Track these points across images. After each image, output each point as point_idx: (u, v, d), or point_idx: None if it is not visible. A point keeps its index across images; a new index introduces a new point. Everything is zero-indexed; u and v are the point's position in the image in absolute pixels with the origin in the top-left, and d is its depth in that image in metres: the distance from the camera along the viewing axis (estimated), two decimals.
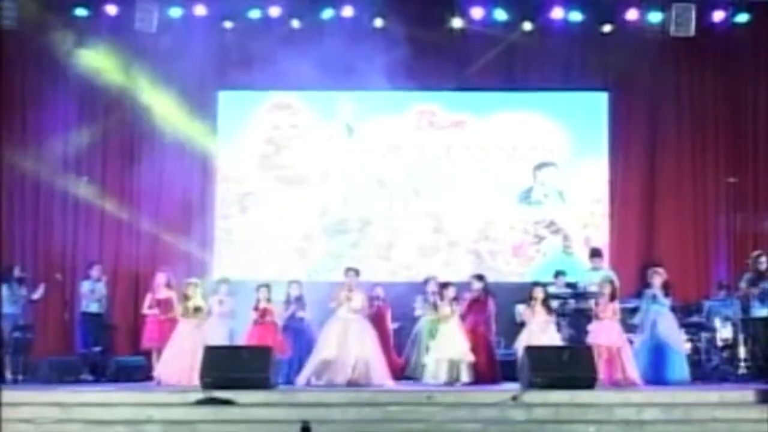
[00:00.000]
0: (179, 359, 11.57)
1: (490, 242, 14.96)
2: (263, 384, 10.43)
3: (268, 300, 12.18)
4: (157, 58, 14.63)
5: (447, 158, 15.08)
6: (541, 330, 11.81)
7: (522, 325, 12.13)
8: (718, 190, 14.82)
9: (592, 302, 12.20)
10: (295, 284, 12.61)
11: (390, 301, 13.04)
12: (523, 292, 12.38)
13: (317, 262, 14.80)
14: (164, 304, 12.37)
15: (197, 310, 11.81)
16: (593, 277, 12.93)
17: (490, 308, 12.32)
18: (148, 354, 12.56)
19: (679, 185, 14.90)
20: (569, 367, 10.51)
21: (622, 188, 14.95)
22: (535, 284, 12.28)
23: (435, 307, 12.29)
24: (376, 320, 12.45)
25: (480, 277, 12.45)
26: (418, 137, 15.11)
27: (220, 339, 12.07)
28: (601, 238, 14.70)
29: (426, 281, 12.82)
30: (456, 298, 11.99)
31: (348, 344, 11.56)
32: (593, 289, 12.57)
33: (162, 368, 11.67)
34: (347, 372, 11.44)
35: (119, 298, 14.28)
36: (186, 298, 11.87)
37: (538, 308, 11.93)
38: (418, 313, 12.74)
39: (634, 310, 12.29)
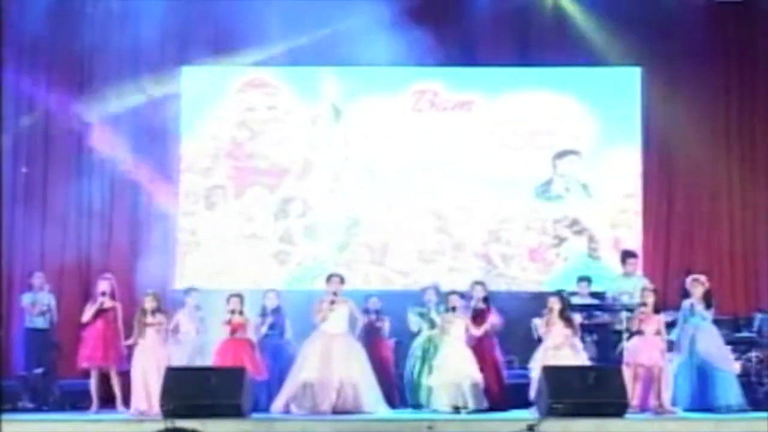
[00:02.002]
0: (143, 386, 11.57)
1: (503, 245, 14.97)
2: (235, 411, 10.42)
3: (241, 312, 12.15)
4: (109, 26, 14.65)
5: (451, 146, 15.08)
6: (558, 347, 11.80)
7: (540, 341, 12.14)
8: None
9: (623, 315, 12.19)
10: (272, 294, 12.64)
11: (386, 313, 13.02)
12: (541, 303, 12.34)
13: (298, 267, 14.79)
14: (107, 316, 12.32)
15: (154, 327, 11.77)
16: (625, 284, 12.94)
17: (495, 320, 12.36)
18: (86, 375, 12.49)
19: (726, 177, 14.93)
20: (595, 391, 10.52)
21: (658, 181, 14.99)
22: (552, 293, 12.28)
23: (432, 320, 12.31)
24: (371, 336, 12.44)
25: (482, 284, 12.50)
26: (417, 121, 15.12)
27: (188, 361, 12.11)
28: (633, 240, 14.70)
29: (424, 290, 12.81)
30: (455, 309, 12.01)
31: (332, 364, 11.56)
32: (624, 298, 12.59)
33: (133, 400, 11.69)
34: (331, 397, 11.44)
35: (65, 310, 14.19)
36: (143, 313, 11.83)
37: (556, 321, 11.94)
38: (413, 327, 12.71)
39: (671, 325, 12.28)
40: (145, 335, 11.73)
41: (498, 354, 12.38)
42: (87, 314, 12.30)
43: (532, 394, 11.62)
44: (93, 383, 12.15)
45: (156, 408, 11.20)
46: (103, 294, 12.25)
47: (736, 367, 12.24)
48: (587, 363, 11.94)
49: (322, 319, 11.82)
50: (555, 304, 11.98)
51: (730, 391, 11.73)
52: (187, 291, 12.75)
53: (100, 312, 12.23)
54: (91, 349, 12.18)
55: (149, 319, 11.77)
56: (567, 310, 12.05)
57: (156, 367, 11.55)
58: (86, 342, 12.27)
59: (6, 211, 14.49)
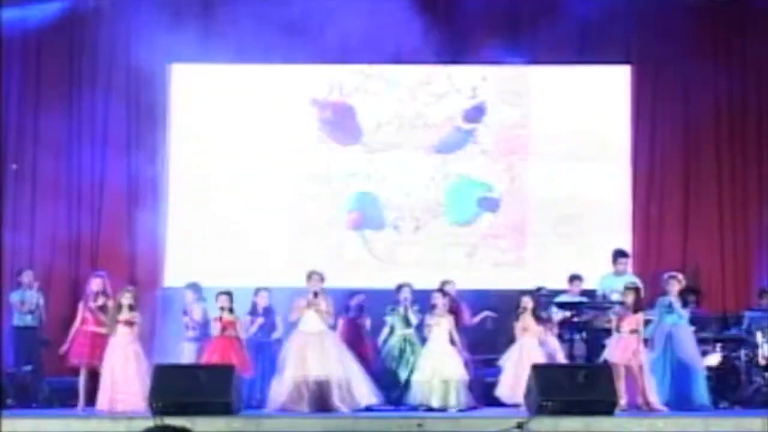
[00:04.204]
0: (112, 383, 11.57)
1: (491, 242, 14.97)
2: (224, 409, 10.42)
3: (231, 310, 12.18)
4: (99, 24, 14.68)
5: (441, 144, 15.11)
6: (532, 346, 11.89)
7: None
8: (762, 182, 14.90)
9: (611, 313, 12.23)
10: (264, 293, 12.67)
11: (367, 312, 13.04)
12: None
13: (288, 265, 14.73)
14: (99, 315, 12.33)
15: (128, 324, 11.75)
16: (616, 283, 12.95)
17: (465, 319, 12.39)
18: (76, 372, 12.50)
19: (716, 176, 14.94)
20: (585, 389, 10.55)
21: (648, 180, 14.98)
22: (524, 292, 12.34)
23: (407, 319, 12.34)
24: (352, 334, 12.44)
25: (451, 283, 12.57)
26: (408, 119, 15.12)
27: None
28: (624, 239, 14.67)
29: (399, 288, 12.76)
30: (435, 307, 12.07)
31: (316, 363, 11.53)
32: (614, 297, 12.62)
33: (100, 397, 11.70)
34: (333, 394, 11.42)
35: (55, 308, 14.16)
36: (118, 309, 11.84)
37: (529, 320, 12.00)
38: (388, 326, 12.69)
39: (648, 323, 12.30)
40: (117, 331, 11.71)
41: (466, 353, 12.40)
42: (80, 314, 12.34)
43: (500, 390, 11.80)
44: (81, 381, 12.15)
45: (119, 406, 11.25)
46: (97, 295, 12.28)
47: (706, 367, 12.26)
48: (562, 362, 12.09)
49: (298, 317, 11.80)
50: (528, 303, 12.07)
51: (701, 391, 11.81)
52: (188, 287, 12.81)
53: (90, 310, 12.26)
54: (79, 346, 12.20)
55: (123, 315, 11.74)
56: (539, 308, 12.15)
57: (123, 364, 11.54)
58: (76, 339, 12.30)
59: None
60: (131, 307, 11.77)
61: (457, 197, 15.01)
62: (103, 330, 12.11)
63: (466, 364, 12.18)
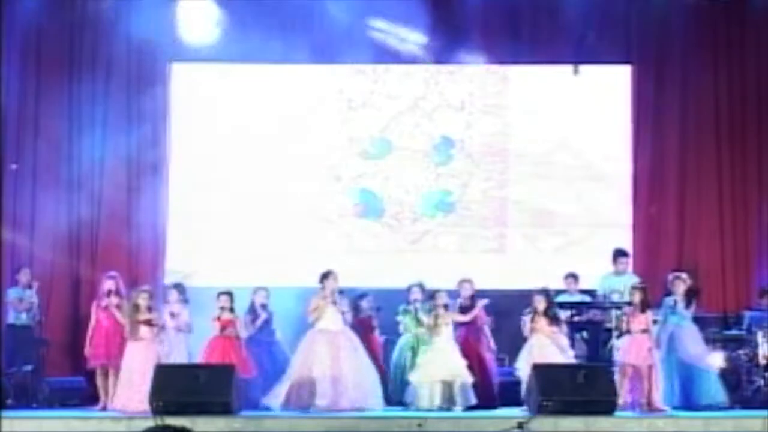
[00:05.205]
0: (130, 383, 11.56)
1: (492, 242, 15.00)
2: (224, 409, 10.45)
3: (231, 310, 12.19)
4: (101, 21, 14.68)
5: (439, 144, 15.15)
6: (544, 346, 11.88)
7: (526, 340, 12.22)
8: (762, 181, 14.88)
9: (612, 313, 12.23)
10: (263, 291, 12.68)
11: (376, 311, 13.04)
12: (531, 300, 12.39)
13: (287, 264, 14.72)
14: (110, 315, 12.34)
15: (148, 324, 11.78)
16: (616, 282, 12.96)
17: (482, 318, 12.39)
18: (92, 374, 12.52)
19: (716, 176, 14.91)
20: (585, 388, 10.57)
21: (648, 180, 14.97)
22: (536, 292, 12.30)
23: (417, 318, 12.34)
24: (364, 332, 12.46)
25: (470, 282, 12.52)
26: (409, 119, 15.17)
27: (179, 359, 12.11)
28: (624, 238, 14.66)
29: (409, 288, 12.78)
30: (447, 306, 12.06)
31: (341, 362, 11.54)
32: (615, 297, 12.61)
33: (117, 396, 11.70)
34: (348, 394, 11.44)
35: (54, 307, 14.21)
36: (136, 309, 11.83)
37: (541, 319, 11.99)
38: (401, 326, 12.73)
39: (655, 323, 12.31)
40: (138, 332, 11.72)
41: (486, 352, 12.41)
42: (94, 315, 12.35)
43: (522, 392, 11.68)
44: (100, 381, 12.14)
45: (137, 406, 11.20)
46: (109, 293, 12.29)
47: (717, 365, 12.26)
48: (573, 361, 12.05)
49: (318, 317, 11.78)
50: (540, 302, 12.05)
51: (712, 390, 11.80)
52: (172, 287, 12.78)
53: (104, 310, 12.28)
54: (97, 348, 12.22)
55: (143, 315, 11.76)
56: (552, 308, 12.12)
57: (144, 364, 11.52)
58: (93, 341, 12.31)
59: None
60: (150, 308, 11.80)
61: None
62: (119, 329, 12.12)
63: (486, 364, 12.27)
